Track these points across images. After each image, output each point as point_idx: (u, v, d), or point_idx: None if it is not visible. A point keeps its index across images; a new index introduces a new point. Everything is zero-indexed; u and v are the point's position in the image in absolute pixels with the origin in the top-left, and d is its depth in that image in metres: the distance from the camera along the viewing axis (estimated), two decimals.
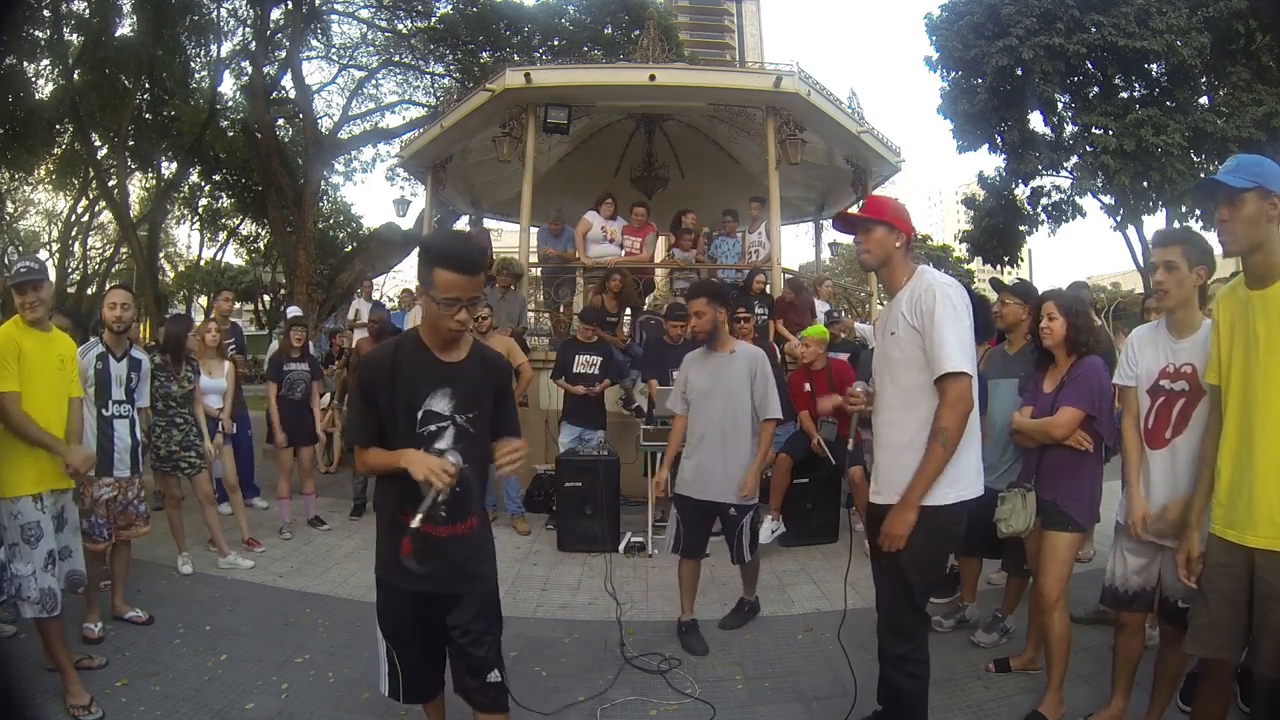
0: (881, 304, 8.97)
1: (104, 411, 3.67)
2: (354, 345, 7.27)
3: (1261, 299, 2.09)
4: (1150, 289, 3.35)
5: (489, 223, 11.54)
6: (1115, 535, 2.74)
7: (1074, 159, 16.96)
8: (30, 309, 2.99)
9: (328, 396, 8.07)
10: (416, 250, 2.25)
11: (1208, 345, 2.38)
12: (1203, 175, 15.21)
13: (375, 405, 2.06)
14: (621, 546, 5.20)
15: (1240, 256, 2.15)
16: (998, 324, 3.52)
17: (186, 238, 30.46)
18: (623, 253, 7.73)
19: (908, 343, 2.33)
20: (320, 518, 5.79)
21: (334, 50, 17.83)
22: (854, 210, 2.59)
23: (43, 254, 26.54)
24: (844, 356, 5.96)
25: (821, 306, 7.98)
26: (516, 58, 15.27)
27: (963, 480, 2.32)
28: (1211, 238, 2.50)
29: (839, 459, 5.07)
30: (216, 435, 5.09)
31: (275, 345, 7.17)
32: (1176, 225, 16.22)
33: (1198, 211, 15.82)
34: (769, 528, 5.09)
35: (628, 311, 7.79)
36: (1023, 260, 20.65)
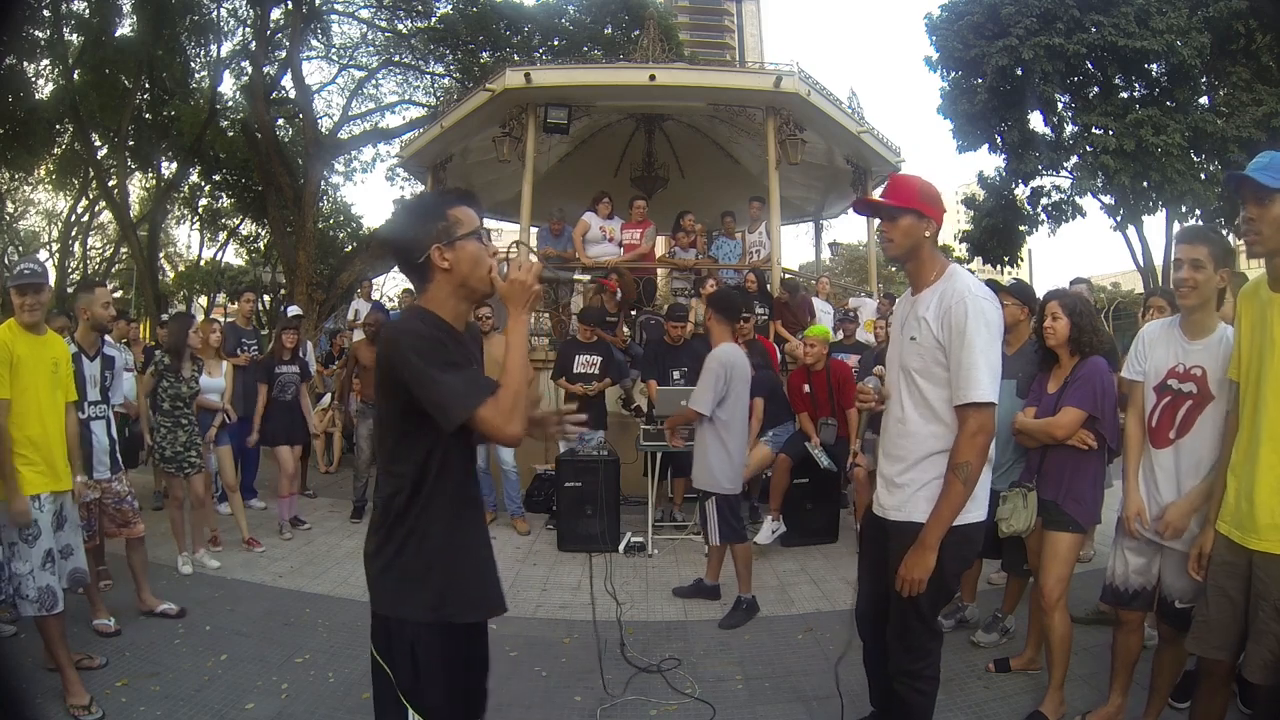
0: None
1: (80, 415, 3.55)
2: (352, 346, 7.26)
3: None
4: (1150, 289, 3.35)
5: (489, 223, 11.55)
6: (1116, 534, 2.74)
7: (1074, 159, 16.94)
8: (29, 311, 2.99)
9: (328, 397, 8.07)
10: (403, 222, 1.83)
11: (1221, 349, 2.37)
12: (1203, 175, 15.32)
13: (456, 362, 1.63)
14: (621, 546, 5.20)
15: (1265, 259, 2.10)
16: None
17: (186, 238, 30.47)
18: (621, 250, 7.73)
19: (929, 353, 2.13)
20: (300, 517, 5.81)
21: (334, 50, 17.81)
22: (878, 195, 2.31)
23: (43, 254, 26.57)
24: (853, 358, 5.97)
25: (823, 306, 7.99)
26: (516, 58, 15.25)
27: (971, 501, 2.15)
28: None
29: (840, 461, 5.08)
30: (210, 430, 5.10)
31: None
32: (1180, 225, 16.24)
33: (1198, 211, 15.83)
34: (769, 528, 5.09)
35: (633, 311, 7.78)
36: (1022, 260, 20.63)
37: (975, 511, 2.19)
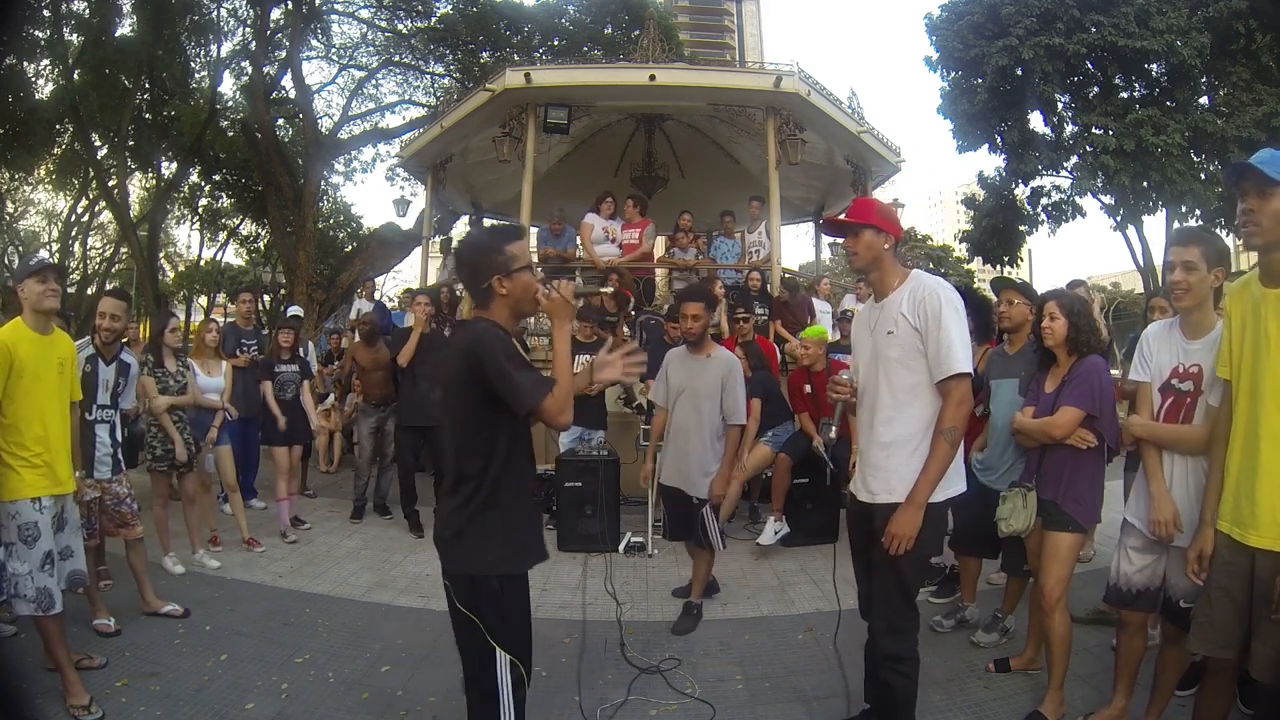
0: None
1: (87, 416, 3.62)
2: (350, 346, 7.26)
3: (1277, 298, 2.06)
4: (1150, 289, 3.35)
5: (489, 223, 11.56)
6: (1120, 534, 2.73)
7: (1074, 159, 16.95)
8: (51, 297, 3.00)
9: (330, 397, 8.07)
10: (470, 253, 2.21)
11: (1218, 347, 2.37)
12: (1203, 175, 15.32)
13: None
14: (621, 546, 5.20)
15: (1260, 252, 2.10)
16: (1004, 324, 3.51)
17: (186, 238, 30.45)
18: (621, 250, 7.73)
19: (908, 343, 2.35)
20: (300, 517, 5.82)
21: (334, 50, 17.81)
22: (841, 215, 2.61)
23: (43, 253, 26.55)
24: (851, 358, 5.95)
25: (822, 306, 7.98)
26: (516, 58, 15.25)
27: (950, 478, 2.35)
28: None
29: (841, 461, 5.07)
30: (211, 430, 5.11)
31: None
32: (1181, 225, 16.23)
33: (1198, 211, 15.83)
34: (771, 529, 5.10)
35: (633, 311, 7.77)
36: (1022, 260, 20.64)
37: (951, 488, 2.36)
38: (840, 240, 2.59)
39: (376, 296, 11.84)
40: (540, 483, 6.20)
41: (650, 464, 4.16)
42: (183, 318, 25.68)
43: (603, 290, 2.00)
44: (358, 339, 6.59)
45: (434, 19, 16.75)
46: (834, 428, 2.72)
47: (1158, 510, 2.50)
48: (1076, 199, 17.53)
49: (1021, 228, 18.81)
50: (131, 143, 16.96)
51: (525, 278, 2.08)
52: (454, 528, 2.05)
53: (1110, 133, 15.37)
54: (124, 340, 4.07)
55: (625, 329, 7.12)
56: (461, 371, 2.02)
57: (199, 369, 5.19)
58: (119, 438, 3.86)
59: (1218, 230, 15.29)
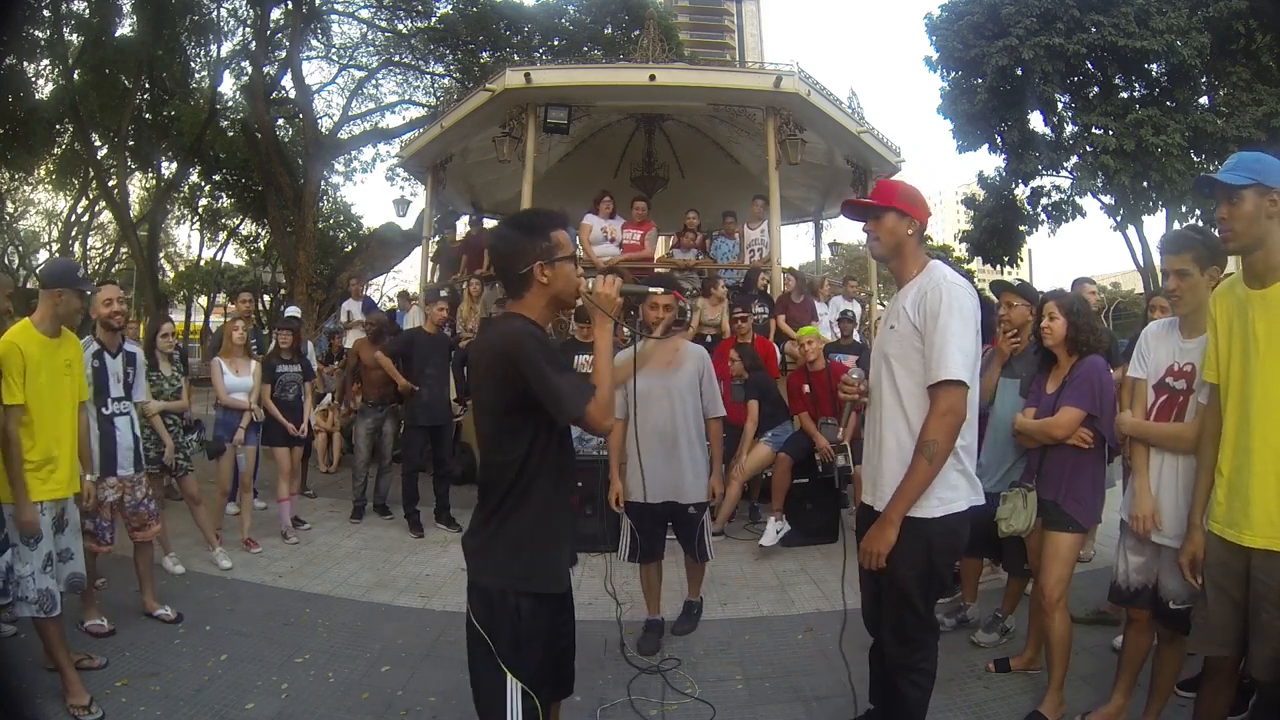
0: (883, 304, 9.01)
1: (103, 410, 3.64)
2: (355, 344, 7.25)
3: (1261, 299, 2.07)
4: (1150, 288, 3.35)
5: (489, 223, 11.56)
6: (1120, 533, 2.74)
7: (1074, 159, 16.97)
8: (77, 318, 3.12)
9: (329, 397, 8.05)
10: (511, 235, 2.01)
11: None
12: (1203, 175, 15.38)
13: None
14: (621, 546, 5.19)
15: (1241, 255, 2.14)
16: (1004, 326, 3.51)
17: (186, 238, 30.47)
18: (621, 251, 7.72)
19: (907, 340, 2.20)
20: (300, 517, 5.82)
21: (334, 50, 17.84)
22: (863, 197, 2.45)
23: (43, 254, 26.60)
24: (851, 358, 5.96)
25: (824, 309, 7.97)
26: (516, 58, 15.26)
27: (953, 491, 2.17)
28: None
29: (840, 463, 5.07)
30: (239, 431, 5.12)
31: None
32: (1179, 224, 16.21)
33: (1198, 211, 15.83)
34: (773, 529, 5.09)
35: (632, 311, 7.76)
36: (1022, 260, 20.65)
37: (958, 501, 2.20)
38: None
39: (374, 297, 11.84)
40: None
41: (619, 484, 3.72)
42: (183, 318, 25.84)
43: (653, 290, 1.95)
44: (363, 337, 6.59)
45: (434, 19, 16.77)
46: (840, 430, 2.65)
47: (1136, 506, 2.55)
48: (1076, 199, 17.55)
49: (1021, 228, 18.83)
50: (131, 143, 16.99)
51: (568, 268, 1.93)
52: (483, 536, 1.90)
53: (1110, 133, 15.38)
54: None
55: (625, 329, 7.12)
56: (495, 372, 1.85)
57: (227, 368, 5.20)
58: (138, 432, 3.86)
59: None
